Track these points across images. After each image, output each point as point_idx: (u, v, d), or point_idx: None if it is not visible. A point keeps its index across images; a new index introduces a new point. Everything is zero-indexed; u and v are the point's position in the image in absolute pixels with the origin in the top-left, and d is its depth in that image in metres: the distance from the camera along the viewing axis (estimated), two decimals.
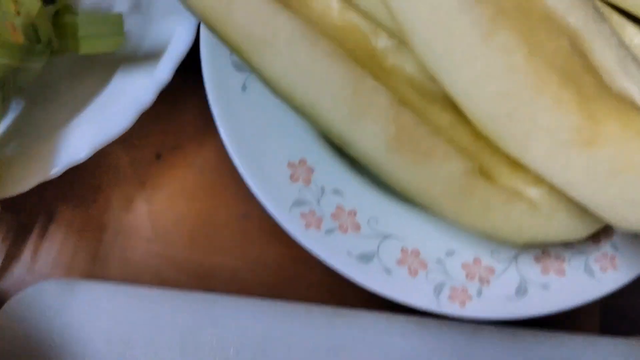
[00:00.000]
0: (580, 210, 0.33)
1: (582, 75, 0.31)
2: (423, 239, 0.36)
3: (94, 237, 0.38)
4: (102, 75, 0.38)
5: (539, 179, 0.34)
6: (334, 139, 0.33)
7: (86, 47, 0.35)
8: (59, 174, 0.34)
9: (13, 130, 0.37)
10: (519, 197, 0.34)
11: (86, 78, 0.39)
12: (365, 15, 0.37)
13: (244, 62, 0.32)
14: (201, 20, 0.32)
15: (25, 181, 0.34)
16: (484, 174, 0.35)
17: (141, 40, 0.39)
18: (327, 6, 0.37)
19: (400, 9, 0.32)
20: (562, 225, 0.33)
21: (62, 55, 0.36)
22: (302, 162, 0.37)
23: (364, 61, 0.37)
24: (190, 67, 0.37)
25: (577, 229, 0.33)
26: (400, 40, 0.35)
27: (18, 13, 0.32)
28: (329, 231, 0.35)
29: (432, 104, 0.37)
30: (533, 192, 0.34)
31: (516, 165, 0.35)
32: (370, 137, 0.32)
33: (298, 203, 0.35)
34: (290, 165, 0.36)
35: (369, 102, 0.32)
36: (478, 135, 0.36)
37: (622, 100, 0.31)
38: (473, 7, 0.31)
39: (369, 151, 0.32)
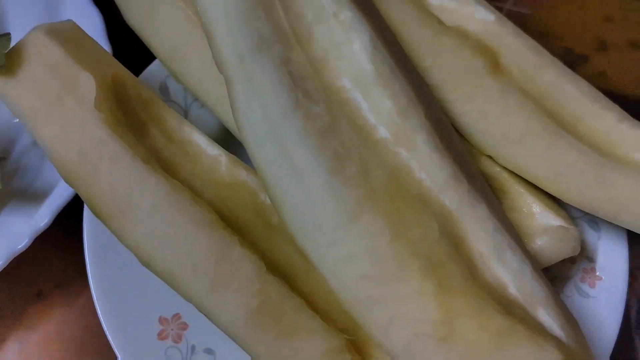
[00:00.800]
0: None
1: (447, 263, 0.31)
2: None
3: None
4: None
5: None
6: (196, 307, 0.32)
7: None
8: None
9: None
10: None
11: None
12: (254, 172, 0.37)
13: (104, 225, 0.31)
14: (63, 178, 0.31)
15: None
16: (357, 347, 0.34)
17: (36, 174, 0.39)
18: (215, 162, 0.37)
19: (272, 183, 0.31)
20: None
21: None
22: (176, 317, 0.36)
23: (249, 217, 0.36)
24: (76, 210, 0.36)
25: None
26: None
27: None
28: None
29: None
30: None
31: None
32: (230, 309, 0.31)
33: None
34: (162, 320, 0.35)
35: (233, 272, 0.31)
36: None
37: (487, 295, 0.30)
38: (340, 189, 0.30)
39: (227, 325, 0.31)
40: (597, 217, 0.40)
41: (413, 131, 0.32)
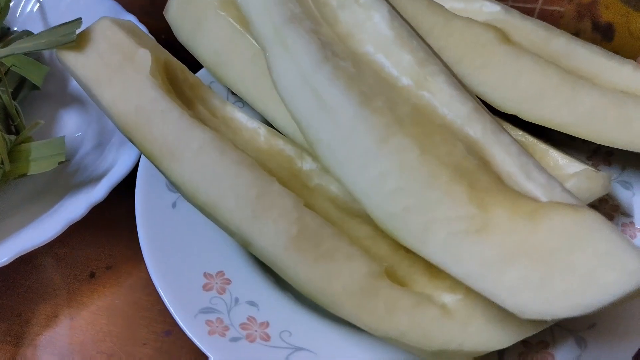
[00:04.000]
0: (501, 317, 0.31)
1: (476, 172, 0.32)
2: (338, 354, 0.34)
3: (10, 351, 0.37)
4: (51, 201, 0.41)
5: (454, 287, 0.33)
6: (236, 238, 0.33)
7: (34, 168, 0.39)
8: None
9: None
10: (429, 301, 0.32)
11: (36, 204, 0.42)
12: (291, 141, 0.40)
13: (154, 165, 0.35)
14: (119, 129, 0.35)
15: None
16: (398, 281, 0.34)
17: (93, 172, 0.43)
18: (255, 133, 0.40)
19: (306, 124, 0.34)
20: (479, 333, 0.31)
21: (20, 185, 0.40)
22: (220, 273, 0.37)
23: (288, 180, 0.39)
24: (129, 196, 0.39)
25: (497, 338, 0.31)
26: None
27: None
28: (234, 339, 0.33)
29: (352, 218, 0.37)
30: (447, 298, 0.33)
31: (434, 274, 0.34)
32: (269, 235, 0.32)
33: (206, 310, 0.34)
34: (207, 275, 0.36)
35: (273, 203, 0.33)
36: (396, 246, 0.36)
37: (517, 192, 0.31)
38: (369, 116, 0.33)
39: (268, 249, 0.32)
40: (630, 177, 0.41)
41: (432, 75, 0.36)
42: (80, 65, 0.37)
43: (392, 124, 0.33)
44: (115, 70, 0.37)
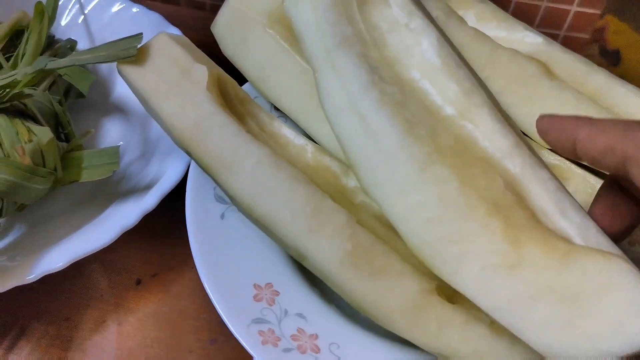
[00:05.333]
0: None
1: (512, 208, 0.33)
2: None
3: (58, 354, 0.38)
4: (99, 207, 0.42)
5: None
6: (290, 251, 0.34)
7: (87, 176, 0.40)
8: (33, 280, 0.36)
9: (9, 247, 0.40)
10: (478, 319, 0.33)
11: (85, 209, 0.43)
12: (336, 158, 0.41)
13: (212, 178, 0.36)
14: (176, 143, 0.36)
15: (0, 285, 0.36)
16: (448, 297, 0.35)
17: (139, 181, 0.44)
18: (302, 150, 0.42)
19: (349, 146, 0.35)
20: (527, 353, 0.32)
21: (67, 191, 0.41)
22: (268, 285, 0.38)
23: (334, 197, 0.40)
24: (177, 206, 0.40)
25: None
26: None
27: (30, 140, 0.38)
28: (287, 350, 0.34)
29: (397, 236, 0.38)
30: None
31: None
32: (325, 251, 0.33)
33: (258, 321, 0.35)
34: (257, 287, 0.37)
35: (327, 220, 0.34)
36: None
37: (551, 231, 0.32)
38: (411, 145, 0.34)
39: (323, 264, 0.33)
40: None
41: (476, 107, 0.37)
42: (140, 79, 0.38)
43: (433, 153, 0.34)
44: (173, 84, 0.38)
